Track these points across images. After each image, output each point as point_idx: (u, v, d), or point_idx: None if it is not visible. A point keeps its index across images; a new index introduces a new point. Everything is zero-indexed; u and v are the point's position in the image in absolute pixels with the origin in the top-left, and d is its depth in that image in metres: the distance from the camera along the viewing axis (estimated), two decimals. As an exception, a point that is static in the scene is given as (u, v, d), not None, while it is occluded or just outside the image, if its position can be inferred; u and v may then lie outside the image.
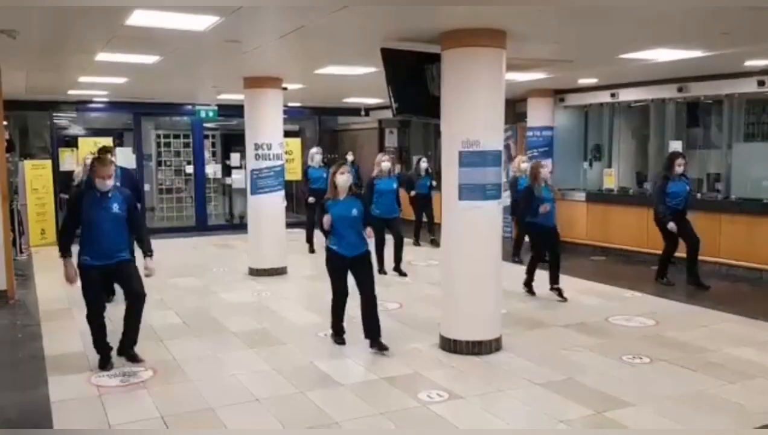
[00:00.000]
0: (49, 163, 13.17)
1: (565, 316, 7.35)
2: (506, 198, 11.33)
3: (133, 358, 5.69)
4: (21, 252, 11.06)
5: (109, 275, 5.64)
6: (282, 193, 10.03)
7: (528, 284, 8.35)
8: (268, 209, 9.86)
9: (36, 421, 4.61)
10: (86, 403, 4.95)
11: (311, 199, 11.26)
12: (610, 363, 5.80)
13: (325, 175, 10.55)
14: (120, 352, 5.71)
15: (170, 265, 9.66)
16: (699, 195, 10.21)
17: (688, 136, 11.30)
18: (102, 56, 7.39)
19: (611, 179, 11.55)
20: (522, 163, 10.39)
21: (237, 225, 14.74)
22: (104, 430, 4.27)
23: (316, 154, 11.91)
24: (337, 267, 6.09)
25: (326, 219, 5.91)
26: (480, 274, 6.03)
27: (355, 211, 6.00)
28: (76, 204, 5.52)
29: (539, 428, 4.52)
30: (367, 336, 6.08)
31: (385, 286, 8.69)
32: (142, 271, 5.69)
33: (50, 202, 12.95)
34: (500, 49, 5.95)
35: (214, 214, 16.08)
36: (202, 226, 14.98)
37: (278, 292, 8.79)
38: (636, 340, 6.46)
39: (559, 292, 8.04)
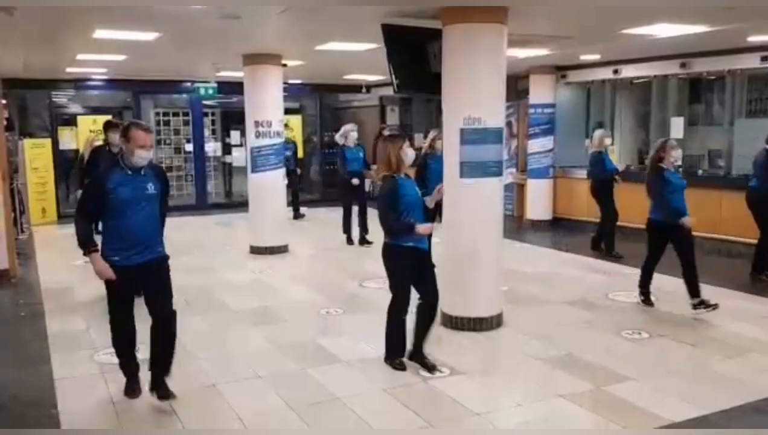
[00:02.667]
0: (48, 141, 13.17)
1: (565, 292, 7.38)
2: (508, 175, 11.33)
3: (167, 395, 4.42)
4: (22, 231, 11.08)
5: (142, 276, 4.36)
6: (283, 170, 10.04)
7: (644, 288, 6.84)
8: (268, 187, 9.86)
9: (40, 398, 4.65)
10: (89, 380, 4.98)
11: (356, 181, 10.12)
12: (610, 338, 5.84)
13: (361, 154, 10.32)
14: (152, 387, 4.46)
15: (170, 244, 9.59)
16: (700, 171, 10.23)
17: (690, 112, 11.26)
18: (100, 33, 7.33)
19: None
20: (606, 139, 9.47)
21: (237, 203, 14.74)
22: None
23: (351, 132, 10.31)
24: (411, 265, 4.92)
25: (427, 227, 4.84)
26: (481, 251, 6.04)
27: (419, 192, 5.09)
28: (103, 186, 4.21)
29: (541, 403, 4.56)
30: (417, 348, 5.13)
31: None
32: None
33: (50, 180, 12.96)
34: (501, 24, 5.90)
35: (215, 193, 16.09)
36: (202, 205, 14.99)
37: (279, 270, 8.81)
38: (636, 315, 6.49)
39: (704, 304, 6.37)
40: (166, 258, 4.51)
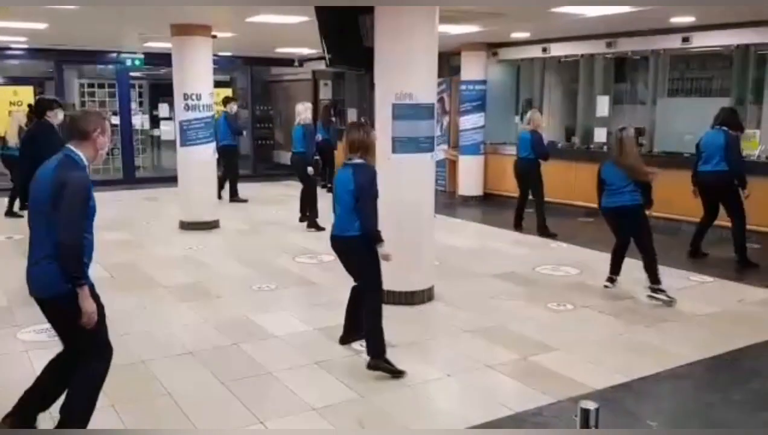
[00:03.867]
0: (-37, 113, 12.52)
1: (495, 266, 7.55)
2: (440, 151, 11.43)
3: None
4: (-65, 206, 10.53)
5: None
6: (213, 145, 9.84)
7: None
8: (198, 161, 9.66)
9: (-42, 379, 4.47)
10: (13, 358, 4.84)
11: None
12: (536, 310, 6.03)
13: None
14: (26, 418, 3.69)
15: (97, 220, 9.36)
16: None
17: (616, 91, 11.61)
18: (17, -2, 6.99)
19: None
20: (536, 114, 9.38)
21: (166, 178, 14.39)
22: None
23: (306, 111, 9.73)
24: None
25: (387, 254, 4.56)
26: (413, 226, 6.11)
27: None
28: (91, 190, 3.48)
29: (470, 374, 4.67)
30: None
31: (319, 239, 8.75)
32: None
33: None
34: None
35: (143, 167, 15.67)
36: (130, 179, 14.58)
37: (210, 245, 8.68)
38: (561, 288, 6.71)
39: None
40: None
